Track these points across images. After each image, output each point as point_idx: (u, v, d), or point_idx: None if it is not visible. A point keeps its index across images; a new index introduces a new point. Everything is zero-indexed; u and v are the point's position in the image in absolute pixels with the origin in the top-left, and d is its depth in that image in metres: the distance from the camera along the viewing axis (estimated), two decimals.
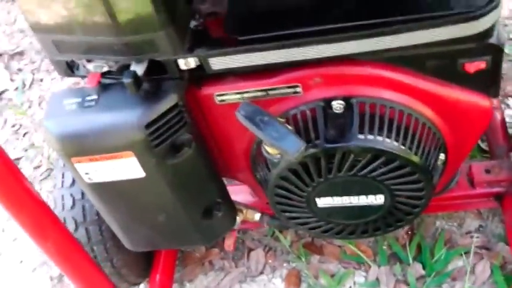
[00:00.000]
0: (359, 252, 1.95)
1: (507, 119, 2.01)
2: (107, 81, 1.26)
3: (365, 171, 1.30)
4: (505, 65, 2.30)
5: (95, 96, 1.22)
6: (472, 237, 1.92)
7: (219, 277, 2.02)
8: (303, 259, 1.98)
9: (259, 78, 1.27)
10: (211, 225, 1.47)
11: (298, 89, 1.27)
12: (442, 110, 1.31)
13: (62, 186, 1.68)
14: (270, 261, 2.02)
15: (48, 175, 2.48)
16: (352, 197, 1.39)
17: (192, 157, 1.29)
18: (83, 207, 1.65)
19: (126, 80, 1.16)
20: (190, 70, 1.23)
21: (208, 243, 1.77)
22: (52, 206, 1.66)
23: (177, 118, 1.22)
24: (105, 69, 1.26)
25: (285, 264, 2.01)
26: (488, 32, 1.19)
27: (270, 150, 1.26)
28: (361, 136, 1.26)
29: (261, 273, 2.01)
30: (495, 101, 1.97)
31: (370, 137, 1.26)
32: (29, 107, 2.81)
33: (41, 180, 2.48)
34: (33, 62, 2.99)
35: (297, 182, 1.35)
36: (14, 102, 2.87)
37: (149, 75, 1.22)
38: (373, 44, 1.17)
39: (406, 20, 1.15)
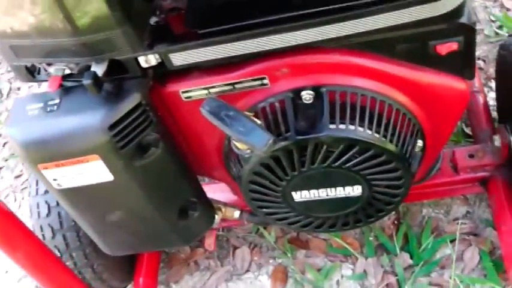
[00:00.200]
0: (345, 245, 1.92)
1: (490, 102, 1.98)
2: (69, 84, 1.23)
3: (339, 162, 1.27)
4: (485, 47, 2.28)
5: (57, 101, 1.19)
6: (459, 223, 1.88)
7: (205, 277, 1.99)
8: (289, 254, 1.95)
9: (224, 72, 1.24)
10: (188, 225, 1.44)
11: (265, 81, 1.24)
12: (416, 95, 1.28)
13: (37, 194, 1.66)
14: (255, 258, 1.99)
15: None
16: (328, 190, 1.35)
17: (160, 157, 1.26)
18: (59, 214, 1.63)
19: (86, 82, 1.13)
20: (153, 68, 1.20)
21: (187, 244, 1.76)
22: (28, 214, 1.65)
23: (142, 118, 1.19)
24: (67, 72, 1.22)
25: (271, 261, 1.98)
26: (457, 12, 1.15)
27: (239, 145, 1.22)
28: (332, 126, 1.22)
29: (247, 271, 1.98)
30: (477, 84, 1.95)
31: (342, 126, 1.22)
32: (8, 116, 2.77)
33: (22, 189, 2.45)
34: (9, 71, 2.95)
35: (270, 177, 1.31)
36: None
37: (111, 76, 1.18)
38: (337, 30, 1.13)
39: (369, 3, 1.11)
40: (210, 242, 1.82)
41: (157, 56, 1.17)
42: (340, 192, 1.36)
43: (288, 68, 1.22)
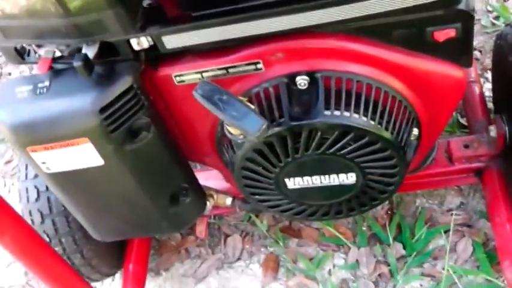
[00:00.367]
0: (338, 234, 1.90)
1: (486, 93, 1.97)
2: (59, 66, 1.21)
3: (334, 149, 1.25)
4: (481, 38, 2.26)
5: (46, 83, 1.17)
6: (452, 214, 1.87)
7: (195, 265, 1.98)
8: (281, 243, 1.94)
9: (218, 56, 1.22)
10: (179, 211, 1.42)
11: (260, 66, 1.22)
12: (413, 82, 1.26)
13: (26, 178, 1.64)
14: (247, 246, 1.98)
15: None
16: (322, 177, 1.33)
17: (151, 142, 1.24)
18: (48, 199, 1.62)
19: (77, 64, 1.11)
20: (145, 50, 1.18)
21: (178, 231, 1.74)
22: (17, 199, 1.63)
23: (133, 101, 1.17)
24: (57, 54, 1.21)
25: (262, 249, 1.96)
26: None
27: (232, 130, 1.20)
28: (327, 112, 1.20)
29: (238, 259, 1.97)
30: (473, 74, 1.93)
31: (337, 112, 1.21)
32: None
33: (12, 175, 2.43)
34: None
35: (263, 163, 1.29)
36: None
37: (102, 58, 1.17)
38: (333, 15, 1.11)
39: None
40: (201, 229, 1.81)
41: (149, 38, 1.15)
42: (334, 179, 1.34)
43: (282, 53, 1.20)
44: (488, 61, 2.18)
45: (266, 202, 1.43)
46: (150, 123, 1.21)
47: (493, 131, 1.65)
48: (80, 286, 1.57)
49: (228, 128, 1.21)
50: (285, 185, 1.36)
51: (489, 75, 2.10)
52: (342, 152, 1.26)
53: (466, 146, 1.74)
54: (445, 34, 1.18)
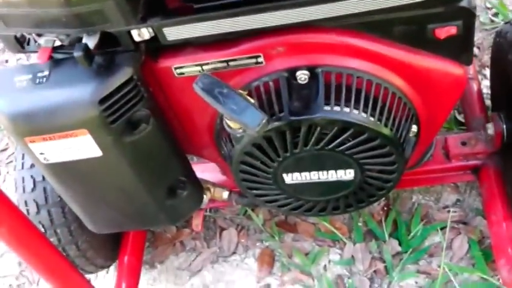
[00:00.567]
0: (334, 230, 1.90)
1: (484, 90, 1.97)
2: (59, 56, 1.20)
3: (333, 144, 1.25)
4: (480, 34, 2.26)
5: (46, 72, 1.16)
6: (449, 211, 1.87)
7: (190, 258, 1.98)
8: (276, 238, 1.94)
9: (219, 48, 1.21)
10: (176, 204, 1.41)
11: (260, 59, 1.21)
12: (413, 78, 1.26)
13: (22, 168, 1.64)
14: (242, 240, 1.98)
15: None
16: (320, 173, 1.33)
17: (150, 134, 1.23)
18: (44, 189, 1.61)
19: (77, 54, 1.10)
20: (146, 42, 1.17)
21: (174, 224, 1.73)
22: (13, 189, 1.63)
23: (133, 93, 1.16)
24: (57, 43, 1.20)
25: (258, 244, 1.96)
26: None
27: (231, 124, 1.20)
28: (327, 107, 1.20)
29: (234, 253, 1.96)
30: (471, 71, 1.93)
31: (337, 108, 1.20)
32: None
33: (7, 163, 2.42)
34: None
35: (262, 158, 1.29)
36: None
37: (102, 48, 1.15)
38: (335, 10, 1.10)
39: None
40: (197, 222, 1.80)
41: (150, 29, 1.14)
42: (332, 175, 1.33)
43: (283, 47, 1.19)
44: (486, 58, 2.18)
45: (263, 197, 1.43)
46: (150, 115, 1.21)
47: (490, 129, 1.65)
48: (74, 278, 1.56)
49: (228, 121, 1.20)
50: (283, 180, 1.35)
51: (487, 72, 2.11)
52: (341, 147, 1.25)
53: (464, 143, 1.74)
54: (446, 31, 1.18)
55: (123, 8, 1.09)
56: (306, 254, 1.90)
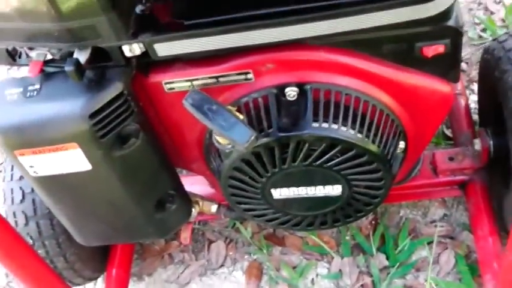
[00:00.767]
0: (322, 243, 1.91)
1: (472, 105, 1.98)
2: (50, 69, 1.20)
3: (321, 160, 1.26)
4: (469, 50, 2.28)
5: (37, 86, 1.17)
6: (436, 226, 1.88)
7: (178, 270, 1.98)
8: (265, 251, 1.94)
9: (208, 64, 1.22)
10: (165, 218, 1.42)
11: (250, 76, 1.22)
12: (401, 96, 1.27)
13: (11, 179, 1.63)
14: (230, 253, 1.97)
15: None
16: (308, 188, 1.34)
17: (140, 148, 1.24)
18: (33, 201, 1.60)
19: (68, 68, 1.11)
20: (137, 57, 1.18)
21: (163, 237, 1.74)
22: (1, 200, 1.62)
23: (123, 107, 1.17)
24: (49, 57, 1.20)
25: (246, 256, 1.96)
26: (445, 14, 1.15)
27: (220, 139, 1.21)
28: (315, 124, 1.21)
29: (222, 265, 1.96)
30: (459, 87, 1.95)
31: (325, 125, 1.21)
32: None
33: None
34: None
35: (250, 173, 1.30)
36: None
37: (93, 63, 1.16)
38: (324, 28, 1.12)
39: (358, 2, 1.09)
40: (185, 235, 1.80)
41: (141, 45, 1.15)
42: (319, 191, 1.34)
43: (273, 64, 1.21)
44: (474, 73, 2.19)
45: (252, 211, 1.44)
46: (139, 130, 1.22)
47: (477, 144, 1.66)
48: None
49: (217, 137, 1.21)
50: (271, 195, 1.36)
51: (475, 87, 2.12)
52: (329, 164, 1.27)
53: (451, 159, 1.75)
54: (433, 50, 1.19)
55: (114, 23, 1.09)
56: (294, 268, 1.90)
